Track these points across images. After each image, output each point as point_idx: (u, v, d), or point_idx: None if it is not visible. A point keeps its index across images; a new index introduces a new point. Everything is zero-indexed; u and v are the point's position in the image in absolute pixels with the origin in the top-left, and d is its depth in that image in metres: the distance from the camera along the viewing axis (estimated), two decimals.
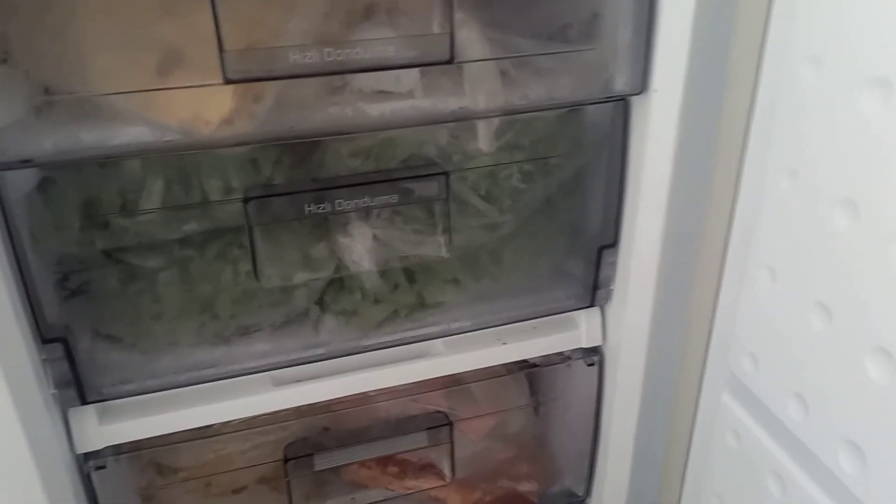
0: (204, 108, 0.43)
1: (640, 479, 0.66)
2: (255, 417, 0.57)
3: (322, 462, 0.60)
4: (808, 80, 0.39)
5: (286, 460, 0.59)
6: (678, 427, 0.59)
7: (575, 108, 0.53)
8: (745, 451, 0.48)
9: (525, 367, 0.64)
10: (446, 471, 0.66)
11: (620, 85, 0.50)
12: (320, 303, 0.56)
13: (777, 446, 0.45)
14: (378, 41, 0.43)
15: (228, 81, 0.42)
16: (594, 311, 0.61)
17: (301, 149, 0.50)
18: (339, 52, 0.43)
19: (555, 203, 0.57)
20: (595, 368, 0.63)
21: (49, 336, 0.48)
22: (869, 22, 0.36)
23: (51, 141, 0.42)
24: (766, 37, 0.43)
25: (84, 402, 0.51)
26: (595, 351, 0.63)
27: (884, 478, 0.37)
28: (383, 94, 0.48)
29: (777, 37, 0.43)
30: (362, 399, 0.59)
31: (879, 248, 0.36)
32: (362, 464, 0.67)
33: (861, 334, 0.37)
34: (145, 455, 0.59)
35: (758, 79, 0.44)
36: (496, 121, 0.51)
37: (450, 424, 0.62)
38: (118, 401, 0.53)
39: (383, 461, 0.67)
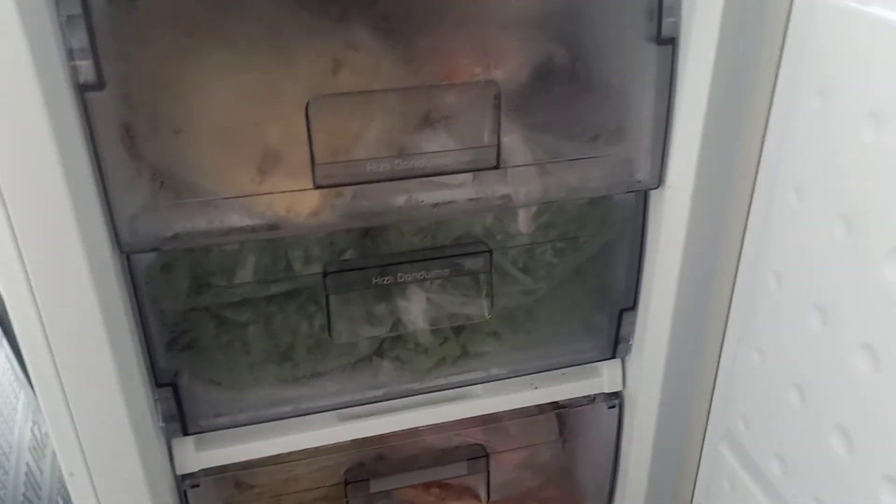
0: (296, 205, 0.53)
1: None
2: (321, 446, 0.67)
3: (377, 486, 0.70)
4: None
5: (346, 483, 0.69)
6: (686, 467, 0.68)
7: (602, 196, 0.62)
8: (738, 496, 0.57)
9: (554, 408, 0.73)
10: (482, 495, 0.75)
11: (640, 179, 0.59)
12: (380, 351, 0.66)
13: (763, 497, 0.53)
14: (437, 154, 0.53)
15: (318, 186, 0.52)
16: (615, 362, 0.70)
17: (370, 229, 0.59)
18: (405, 162, 0.53)
19: (583, 272, 0.66)
20: (615, 410, 0.72)
21: (162, 381, 0.58)
22: None
23: (172, 230, 0.53)
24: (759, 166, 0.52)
25: (185, 433, 0.61)
26: (616, 395, 0.71)
27: None
28: (440, 186, 0.57)
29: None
30: (412, 433, 0.69)
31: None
32: (410, 486, 0.77)
33: (828, 412, 0.45)
34: (229, 476, 0.69)
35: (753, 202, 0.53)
36: (534, 206, 0.61)
37: (486, 456, 0.72)
38: (211, 432, 0.63)
39: (428, 485, 0.77)
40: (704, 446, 0.64)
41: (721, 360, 0.59)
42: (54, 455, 0.91)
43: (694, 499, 0.67)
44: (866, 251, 0.42)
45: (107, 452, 0.55)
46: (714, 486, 0.61)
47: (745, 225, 0.54)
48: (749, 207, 0.53)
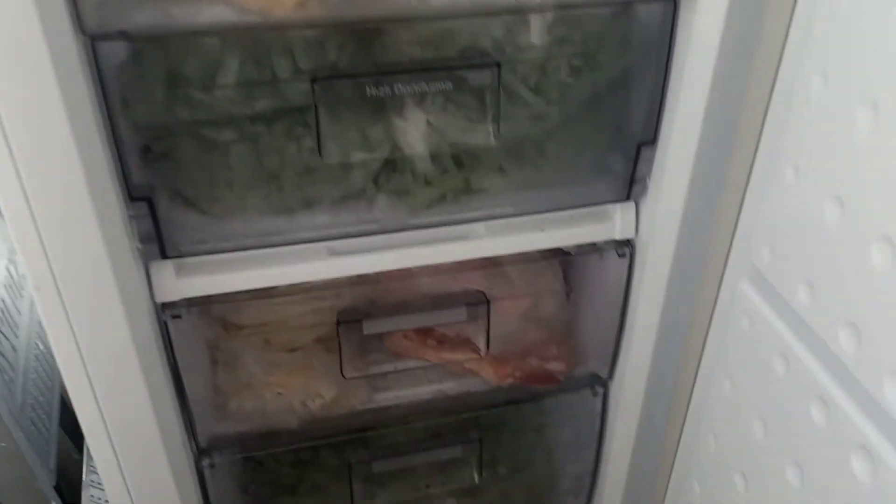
0: None
1: (660, 364, 0.71)
2: (312, 284, 0.63)
3: (370, 327, 0.66)
4: None
5: (338, 324, 0.66)
6: (699, 315, 0.64)
7: (626, 5, 0.55)
8: (756, 333, 0.53)
9: (560, 255, 0.68)
10: (481, 345, 0.72)
11: None
12: (375, 182, 0.61)
13: (785, 328, 0.49)
14: None
15: None
16: (629, 205, 0.65)
17: (365, 35, 0.53)
18: None
19: (599, 99, 0.60)
20: (626, 259, 0.67)
21: (136, 195, 0.53)
22: None
23: (144, 15, 0.47)
24: None
25: (164, 256, 0.57)
26: (627, 243, 0.67)
27: (877, 356, 0.42)
28: None
29: None
30: (409, 274, 0.65)
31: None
32: (404, 335, 0.74)
33: (869, 225, 0.41)
34: (214, 310, 0.66)
35: None
36: (549, 15, 0.54)
37: (487, 303, 0.68)
38: (193, 259, 0.59)
39: (423, 334, 0.73)
40: (721, 287, 0.59)
41: (748, 186, 0.54)
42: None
43: (706, 345, 0.63)
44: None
45: (76, 264, 0.51)
46: (731, 327, 0.57)
47: (787, 31, 0.48)
48: (793, 9, 0.47)
